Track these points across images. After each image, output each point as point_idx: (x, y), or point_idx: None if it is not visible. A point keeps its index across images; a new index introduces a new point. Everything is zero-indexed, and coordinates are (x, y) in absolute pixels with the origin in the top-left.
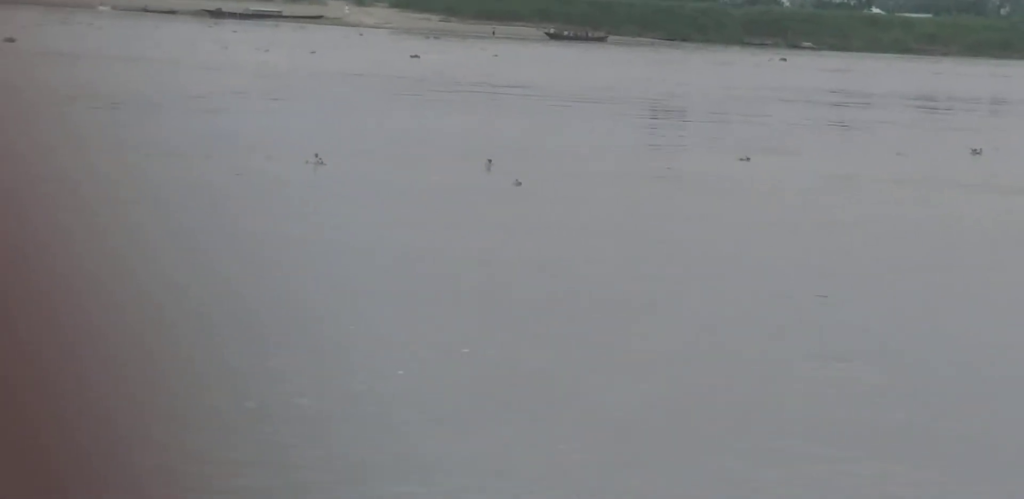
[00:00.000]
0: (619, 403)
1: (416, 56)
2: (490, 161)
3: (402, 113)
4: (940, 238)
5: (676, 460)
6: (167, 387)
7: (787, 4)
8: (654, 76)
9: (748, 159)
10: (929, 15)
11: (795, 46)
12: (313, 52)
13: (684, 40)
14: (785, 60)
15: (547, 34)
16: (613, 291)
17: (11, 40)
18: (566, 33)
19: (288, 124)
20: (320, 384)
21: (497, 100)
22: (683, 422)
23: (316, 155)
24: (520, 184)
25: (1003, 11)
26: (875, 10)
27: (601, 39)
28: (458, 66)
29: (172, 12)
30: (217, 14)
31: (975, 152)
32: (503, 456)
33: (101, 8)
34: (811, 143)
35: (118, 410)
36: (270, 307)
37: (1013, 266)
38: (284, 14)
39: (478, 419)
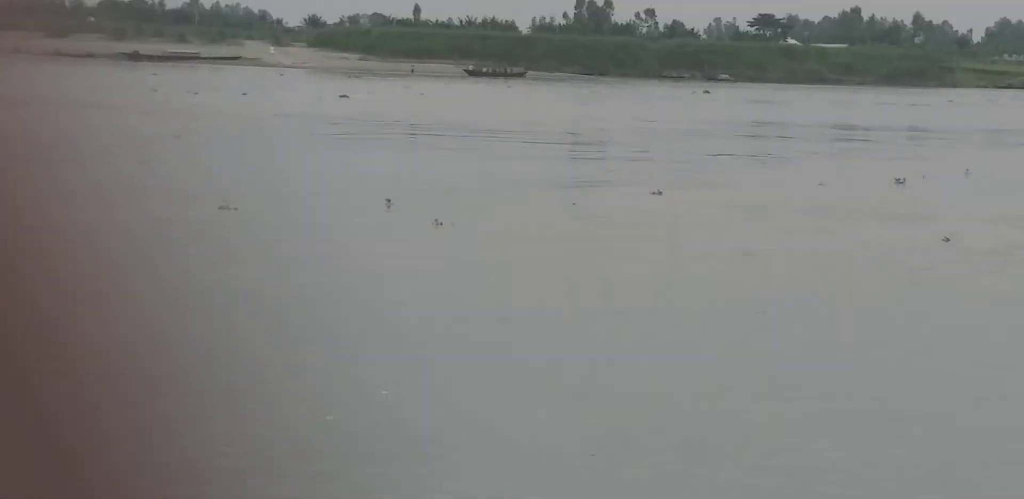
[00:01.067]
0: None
1: (345, 96)
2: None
3: (342, 153)
4: (858, 268)
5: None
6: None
7: (704, 37)
8: (577, 111)
9: (660, 193)
10: (844, 45)
11: (712, 78)
12: (244, 94)
13: (602, 74)
14: (708, 92)
15: (466, 71)
16: (503, 315)
17: None
18: (485, 69)
19: (212, 167)
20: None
21: (426, 139)
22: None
23: (225, 200)
24: (441, 224)
25: (917, 40)
26: (791, 41)
27: (520, 75)
28: (388, 105)
29: (89, 55)
30: (134, 57)
31: (899, 182)
32: None
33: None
34: (732, 174)
35: None
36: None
37: (930, 297)
38: (202, 55)
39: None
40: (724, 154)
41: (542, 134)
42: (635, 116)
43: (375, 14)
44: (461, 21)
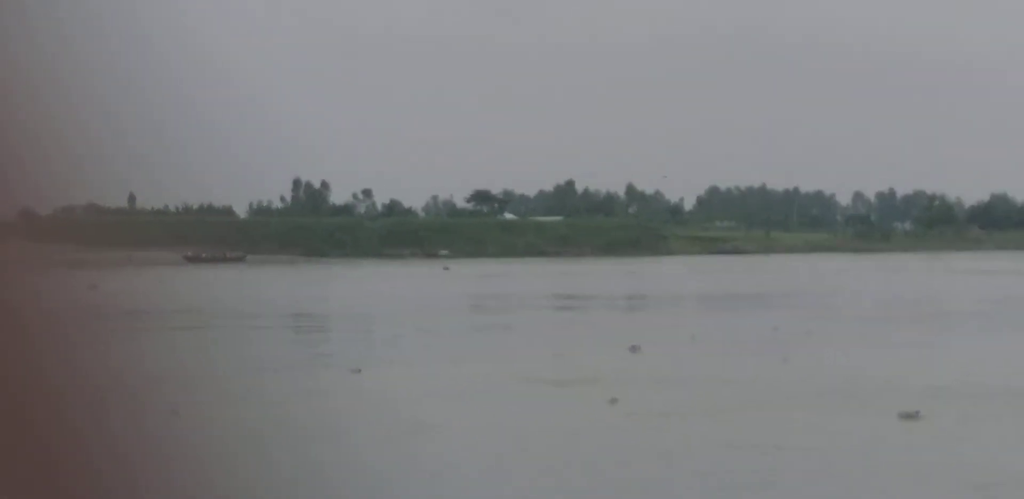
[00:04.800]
0: None
1: (95, 287)
2: None
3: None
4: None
5: None
6: None
7: (422, 214)
8: (301, 293)
9: (359, 371)
10: (560, 218)
11: (432, 255)
12: None
13: (323, 255)
14: (448, 269)
15: (185, 257)
16: None
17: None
18: (204, 255)
19: None
20: None
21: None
22: None
23: None
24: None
25: (631, 210)
26: (508, 215)
27: (239, 259)
28: (135, 292)
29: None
30: None
31: (634, 349)
32: None
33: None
34: (456, 349)
35: None
36: None
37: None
38: None
39: None
40: (449, 328)
41: (264, 316)
42: (355, 294)
43: (89, 204)
44: (177, 208)
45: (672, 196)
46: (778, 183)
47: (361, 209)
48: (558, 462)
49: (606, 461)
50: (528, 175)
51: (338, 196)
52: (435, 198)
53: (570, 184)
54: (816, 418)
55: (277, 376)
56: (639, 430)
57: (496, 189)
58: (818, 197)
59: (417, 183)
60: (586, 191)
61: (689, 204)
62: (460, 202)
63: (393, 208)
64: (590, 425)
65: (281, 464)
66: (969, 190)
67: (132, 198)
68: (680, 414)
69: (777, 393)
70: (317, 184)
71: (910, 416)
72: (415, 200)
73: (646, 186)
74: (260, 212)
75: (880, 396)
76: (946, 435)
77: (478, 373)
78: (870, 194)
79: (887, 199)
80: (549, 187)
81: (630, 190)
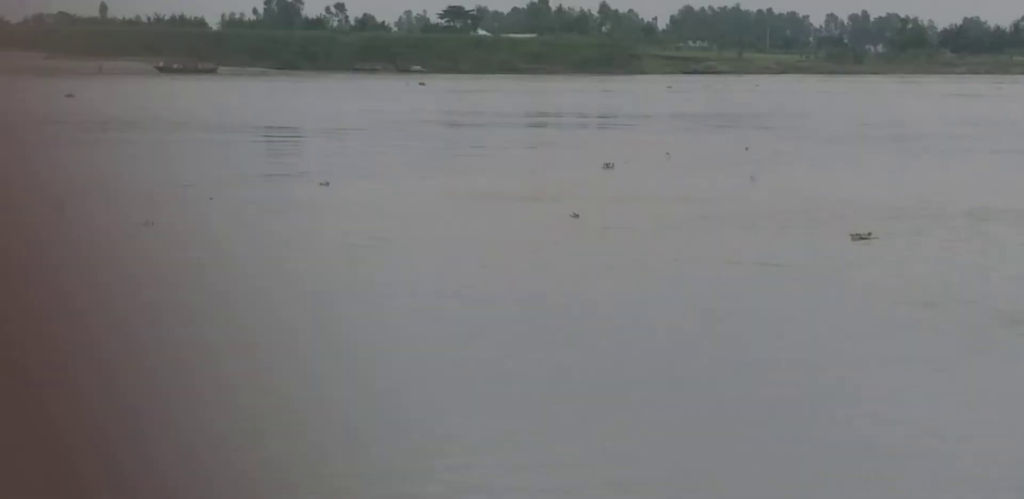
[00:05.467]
0: None
1: (71, 95)
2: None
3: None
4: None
5: None
6: None
7: (395, 29)
8: (274, 106)
9: (327, 184)
10: (534, 35)
11: (405, 70)
12: None
13: (295, 68)
14: (424, 84)
15: (157, 68)
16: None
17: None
18: (176, 66)
19: None
20: None
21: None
22: None
23: None
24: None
25: (604, 29)
26: (482, 32)
27: (211, 71)
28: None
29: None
30: None
31: (607, 166)
32: None
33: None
34: (427, 164)
35: None
36: None
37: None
38: None
39: None
40: (423, 145)
41: (239, 128)
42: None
43: (60, 13)
44: (149, 18)
45: (645, 15)
46: (752, 4)
47: (334, 23)
48: (502, 268)
49: (550, 272)
50: None
51: (311, 9)
52: (408, 13)
53: (544, 1)
54: (771, 237)
55: (246, 188)
56: (594, 244)
57: (469, 5)
58: (791, 18)
59: None
60: (560, 9)
61: (663, 24)
62: (433, 18)
63: (366, 23)
64: (544, 238)
65: (245, 274)
66: (942, 14)
67: (104, 7)
68: (638, 229)
69: (738, 212)
70: None
71: (862, 237)
72: (388, 15)
73: (619, 5)
74: (232, 24)
75: (838, 217)
76: (894, 256)
77: (446, 188)
78: (843, 16)
79: (860, 21)
80: (523, 4)
81: (603, 9)
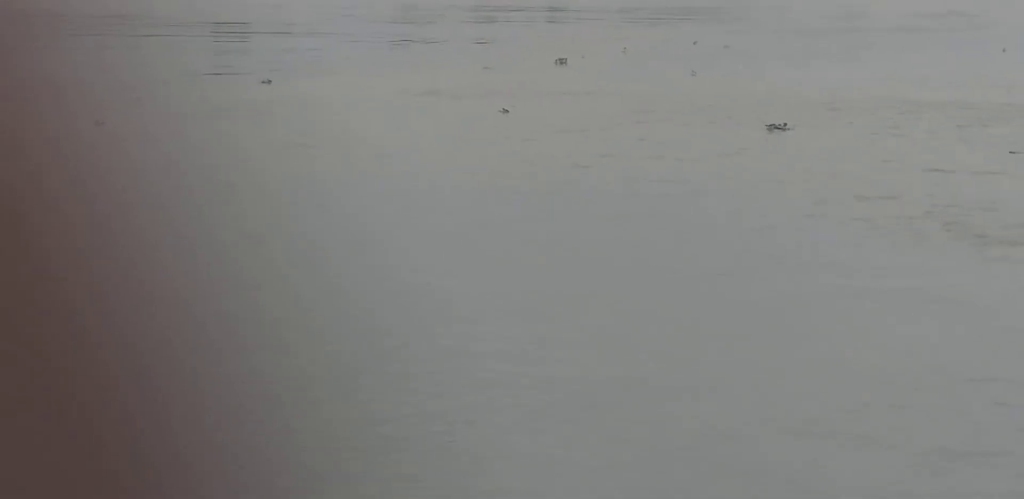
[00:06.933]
0: None
1: None
2: None
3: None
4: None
5: None
6: None
7: None
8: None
9: (270, 82)
10: None
11: None
12: None
13: None
14: None
15: None
16: None
17: None
18: None
19: None
20: None
21: None
22: None
23: None
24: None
25: None
26: None
27: None
28: None
29: None
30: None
31: (560, 62)
32: None
33: None
34: (370, 61)
35: None
36: None
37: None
38: None
39: None
40: (366, 40)
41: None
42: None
43: None
44: None
45: None
46: None
47: None
48: (412, 164)
49: (464, 168)
50: None
51: None
52: None
53: None
54: (693, 130)
55: (190, 85)
56: (516, 142)
57: None
58: None
59: None
60: None
61: None
62: None
63: None
64: (466, 134)
65: (189, 180)
66: None
67: None
68: (564, 128)
69: (669, 107)
70: None
71: (777, 128)
72: None
73: None
74: None
75: (763, 109)
76: (805, 148)
77: (388, 86)
78: None
79: None
80: None
81: None
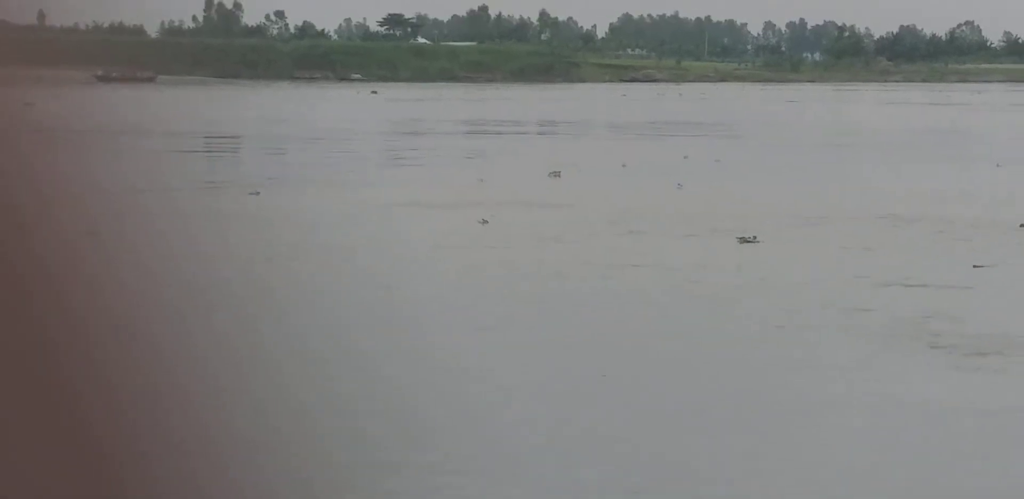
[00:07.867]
0: None
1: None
2: None
3: None
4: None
5: None
6: None
7: (335, 37)
8: (218, 115)
9: (258, 194)
10: (473, 43)
11: (344, 79)
12: None
13: (235, 77)
14: (376, 93)
15: (96, 77)
16: None
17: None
18: (114, 75)
19: None
20: None
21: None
22: None
23: None
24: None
25: (544, 37)
26: (422, 40)
27: (150, 79)
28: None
29: None
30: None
31: (554, 175)
32: None
33: None
34: (364, 173)
35: None
36: None
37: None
38: None
39: None
40: (370, 153)
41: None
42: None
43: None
44: (87, 26)
45: (585, 23)
46: (690, 12)
47: (273, 31)
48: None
49: (435, 274)
50: (441, 0)
51: (251, 17)
52: (348, 21)
53: (483, 9)
54: (665, 241)
55: (178, 197)
56: (494, 250)
57: (409, 13)
58: (730, 26)
59: (330, 6)
60: (499, 17)
61: (602, 32)
62: (373, 26)
63: (306, 31)
64: (450, 243)
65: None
66: (879, 21)
67: (41, 15)
68: (544, 236)
69: (648, 219)
70: (229, 5)
71: (747, 240)
72: (328, 23)
73: (559, 13)
74: (172, 32)
75: (739, 222)
76: (774, 260)
77: (377, 198)
78: (781, 24)
79: (797, 29)
80: (462, 12)
81: (543, 16)
